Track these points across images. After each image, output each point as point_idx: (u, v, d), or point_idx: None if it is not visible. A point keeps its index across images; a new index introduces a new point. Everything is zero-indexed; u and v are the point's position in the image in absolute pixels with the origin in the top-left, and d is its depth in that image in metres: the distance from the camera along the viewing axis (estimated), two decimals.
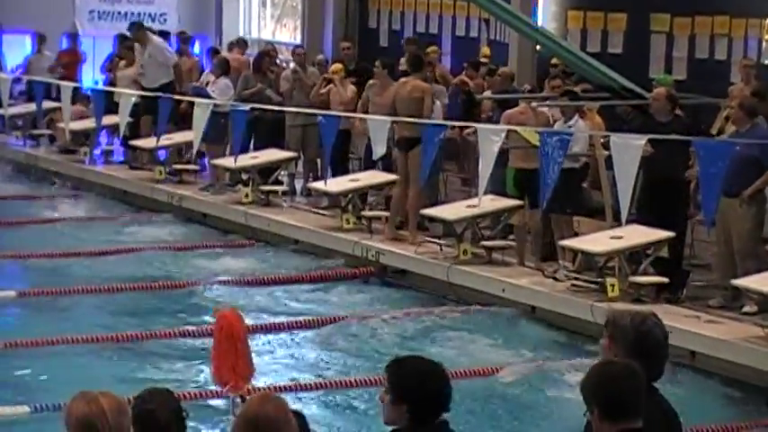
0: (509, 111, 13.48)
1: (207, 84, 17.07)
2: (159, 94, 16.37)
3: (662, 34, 17.19)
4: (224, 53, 19.22)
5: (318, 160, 16.24)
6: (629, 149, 11.26)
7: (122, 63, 18.61)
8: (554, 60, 16.02)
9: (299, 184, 16.75)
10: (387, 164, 14.34)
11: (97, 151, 18.78)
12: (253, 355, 10.40)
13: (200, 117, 15.11)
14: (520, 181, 12.84)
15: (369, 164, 14.82)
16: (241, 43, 20.25)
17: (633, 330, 4.72)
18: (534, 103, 13.52)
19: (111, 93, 17.49)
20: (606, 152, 12.12)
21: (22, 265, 13.54)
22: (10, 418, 8.34)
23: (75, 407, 4.15)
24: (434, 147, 12.94)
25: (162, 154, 17.52)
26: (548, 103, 13.55)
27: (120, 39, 19.05)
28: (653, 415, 4.46)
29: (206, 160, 16.98)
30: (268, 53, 18.00)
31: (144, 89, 17.17)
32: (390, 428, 4.61)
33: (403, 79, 14.16)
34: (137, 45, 17.84)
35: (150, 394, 4.71)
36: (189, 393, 8.94)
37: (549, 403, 9.62)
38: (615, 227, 11.93)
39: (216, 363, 7.62)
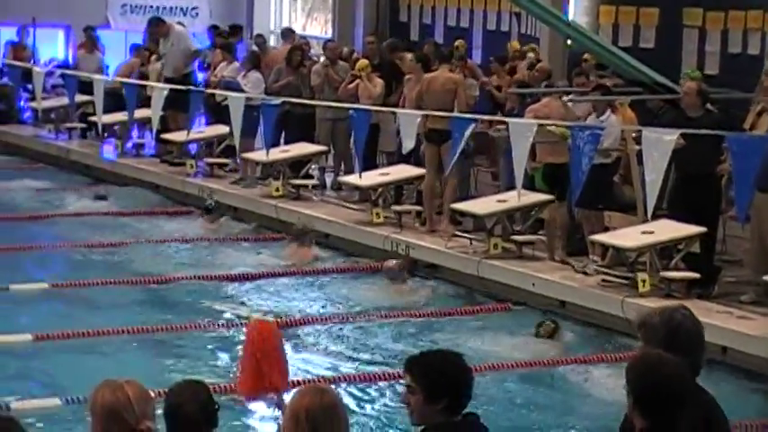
0: (533, 105, 13.49)
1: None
2: (191, 87, 16.40)
3: (694, 29, 17.09)
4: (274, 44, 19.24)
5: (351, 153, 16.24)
6: (661, 144, 11.21)
7: (153, 57, 18.71)
8: (585, 56, 15.96)
9: (329, 178, 16.76)
10: (417, 158, 14.33)
11: (129, 144, 18.87)
12: (292, 348, 10.53)
13: (236, 111, 15.12)
14: (549, 176, 12.83)
15: (399, 158, 14.82)
16: (289, 33, 20.23)
17: (663, 327, 4.60)
18: (566, 98, 13.50)
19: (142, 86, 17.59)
20: (638, 147, 12.07)
21: (54, 257, 13.61)
22: (41, 410, 8.36)
23: (101, 395, 4.17)
24: (463, 140, 12.93)
25: (193, 147, 17.56)
26: (577, 98, 13.50)
27: (149, 30, 19.10)
28: (694, 414, 4.29)
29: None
30: (300, 47, 18.03)
31: (166, 79, 17.26)
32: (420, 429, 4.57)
33: (433, 73, 14.15)
34: (161, 39, 18.00)
35: (180, 387, 4.66)
36: (223, 386, 8.95)
37: (578, 398, 9.60)
38: (646, 222, 11.89)
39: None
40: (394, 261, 12.81)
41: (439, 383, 4.50)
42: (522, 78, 15.47)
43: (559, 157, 12.61)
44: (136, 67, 19.16)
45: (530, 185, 13.00)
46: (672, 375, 4.19)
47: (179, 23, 20.64)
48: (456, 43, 17.57)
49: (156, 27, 18.18)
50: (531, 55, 17.04)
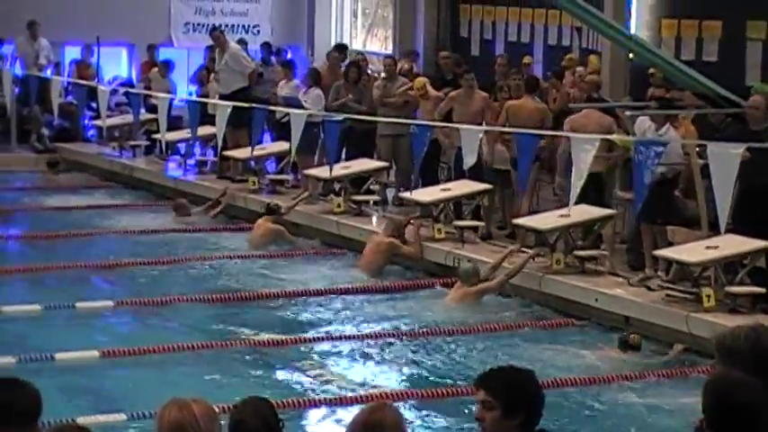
0: (572, 116, 13.56)
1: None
2: (254, 105, 16.53)
3: (758, 42, 16.94)
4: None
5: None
6: (727, 158, 11.12)
7: (212, 75, 18.91)
8: (651, 70, 15.88)
9: (390, 194, 16.79)
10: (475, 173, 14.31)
11: (191, 161, 19.03)
12: (346, 362, 10.55)
13: (297, 127, 15.22)
14: (586, 185, 12.73)
15: (459, 173, 14.82)
16: (341, 49, 20.31)
17: (750, 349, 4.40)
18: (628, 112, 13.47)
19: (204, 104, 17.75)
20: (701, 161, 12.00)
21: (118, 275, 13.73)
22: (107, 425, 8.44)
23: (168, 413, 4.22)
24: (530, 156, 13.03)
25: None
26: (635, 112, 13.48)
27: (211, 36, 19.35)
28: None
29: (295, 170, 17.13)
30: (357, 63, 18.09)
31: (220, 96, 17.43)
32: None
33: (518, 101, 14.46)
34: (217, 51, 18.19)
35: (243, 403, 4.71)
36: (287, 402, 8.98)
37: (641, 415, 9.54)
38: (711, 236, 11.80)
39: None
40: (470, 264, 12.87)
41: (517, 398, 4.49)
42: (569, 91, 15.39)
43: (596, 166, 12.62)
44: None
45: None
46: (752, 399, 4.08)
47: (240, 41, 20.85)
48: (524, 60, 17.59)
49: (216, 36, 18.53)
50: (579, 69, 16.88)
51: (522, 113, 14.12)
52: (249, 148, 16.82)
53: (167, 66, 20.79)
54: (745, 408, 4.06)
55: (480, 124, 14.48)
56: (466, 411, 9.13)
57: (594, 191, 12.89)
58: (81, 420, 8.48)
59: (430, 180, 15.62)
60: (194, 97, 19.18)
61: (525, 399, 4.50)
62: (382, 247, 13.70)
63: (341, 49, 20.49)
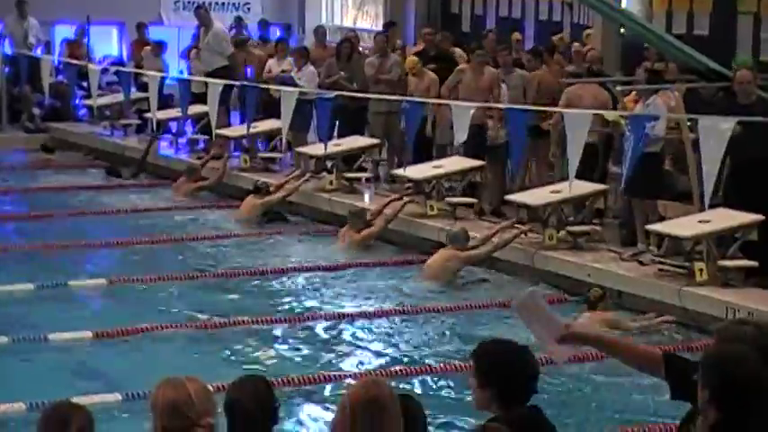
0: (569, 87, 13.59)
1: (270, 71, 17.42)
2: (249, 83, 16.55)
3: (749, 15, 16.92)
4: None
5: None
6: (717, 132, 11.14)
7: (192, 52, 18.99)
8: (646, 44, 15.88)
9: (382, 171, 16.78)
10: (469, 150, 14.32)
11: (183, 140, 19.01)
12: (346, 340, 10.57)
13: (288, 105, 15.20)
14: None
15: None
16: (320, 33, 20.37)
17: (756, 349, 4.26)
18: (620, 87, 13.49)
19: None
20: (693, 135, 12.01)
21: (112, 254, 13.73)
22: (102, 405, 8.44)
23: (162, 392, 4.20)
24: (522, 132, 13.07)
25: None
26: (626, 87, 13.50)
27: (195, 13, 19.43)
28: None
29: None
30: (350, 40, 18.06)
31: (203, 74, 17.49)
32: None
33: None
34: (202, 29, 18.20)
35: (239, 383, 4.67)
36: (282, 380, 8.99)
37: (634, 389, 9.56)
38: (703, 210, 11.81)
39: None
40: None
41: (488, 370, 4.60)
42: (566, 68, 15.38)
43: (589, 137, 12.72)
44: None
45: None
46: (755, 369, 4.09)
47: (238, 19, 20.93)
48: (514, 36, 17.59)
49: (200, 14, 18.62)
50: (576, 44, 16.84)
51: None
52: (243, 127, 16.83)
53: (160, 46, 20.74)
54: (751, 381, 4.05)
55: (488, 101, 14.47)
56: (454, 387, 9.19)
57: (587, 162, 12.88)
58: (75, 401, 8.51)
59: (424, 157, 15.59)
60: (185, 75, 19.13)
61: (497, 371, 4.58)
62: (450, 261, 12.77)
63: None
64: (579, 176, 12.42)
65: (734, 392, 4.05)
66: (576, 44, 16.88)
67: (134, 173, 18.06)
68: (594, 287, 11.11)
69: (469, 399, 8.66)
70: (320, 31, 19.84)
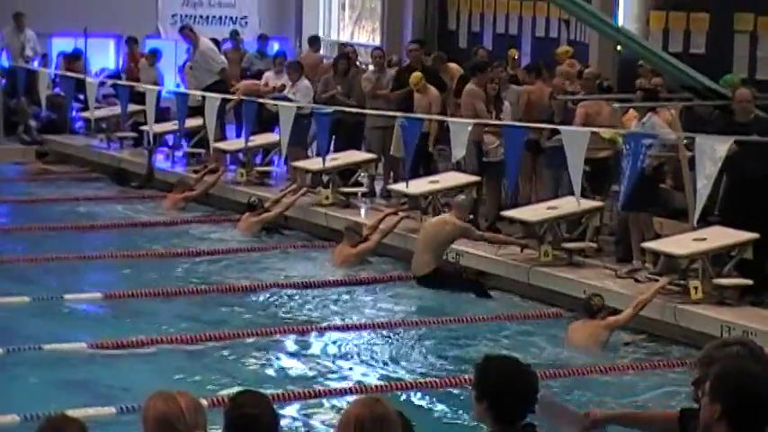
0: (585, 102, 13.67)
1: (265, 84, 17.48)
2: (248, 98, 16.59)
3: (745, 34, 16.97)
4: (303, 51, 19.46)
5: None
6: (714, 151, 11.16)
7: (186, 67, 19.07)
8: (640, 61, 15.90)
9: (378, 186, 16.80)
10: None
11: (179, 153, 19.02)
12: (344, 354, 10.56)
13: (286, 121, 15.21)
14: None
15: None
16: (315, 42, 20.45)
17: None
18: (616, 105, 13.51)
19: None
20: (690, 153, 12.03)
21: (107, 267, 13.72)
22: (96, 418, 8.43)
23: (153, 405, 4.21)
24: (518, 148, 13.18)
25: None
26: (623, 104, 13.52)
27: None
28: None
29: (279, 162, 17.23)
30: (347, 55, 18.09)
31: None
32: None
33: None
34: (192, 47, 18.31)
35: (252, 397, 4.51)
36: (279, 395, 8.99)
37: (630, 406, 9.56)
38: (698, 228, 11.83)
39: None
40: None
41: (479, 383, 4.68)
42: (561, 85, 15.37)
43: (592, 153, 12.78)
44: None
45: None
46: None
47: (234, 32, 21.02)
48: (510, 54, 17.61)
49: (186, 33, 18.61)
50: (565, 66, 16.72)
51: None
52: (241, 141, 16.86)
53: (155, 55, 20.79)
54: (765, 397, 4.01)
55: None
56: (457, 400, 9.19)
57: (598, 177, 13.03)
58: (70, 414, 8.49)
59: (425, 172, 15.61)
60: (182, 89, 19.15)
61: (487, 384, 4.65)
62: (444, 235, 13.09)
63: (314, 41, 20.67)
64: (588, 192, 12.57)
65: (748, 408, 4.01)
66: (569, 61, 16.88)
67: (140, 185, 18.06)
68: (596, 296, 11.10)
69: (462, 414, 8.79)
70: (314, 41, 20.01)
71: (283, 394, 9.25)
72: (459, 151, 13.62)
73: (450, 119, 14.22)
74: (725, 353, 4.57)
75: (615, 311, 11.05)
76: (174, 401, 4.19)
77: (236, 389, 4.63)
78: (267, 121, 17.08)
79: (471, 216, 14.36)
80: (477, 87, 14.70)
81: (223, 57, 19.16)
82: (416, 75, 16.07)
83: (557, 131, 13.38)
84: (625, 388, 9.95)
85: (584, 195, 13.44)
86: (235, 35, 21.92)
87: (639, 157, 11.76)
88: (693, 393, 4.60)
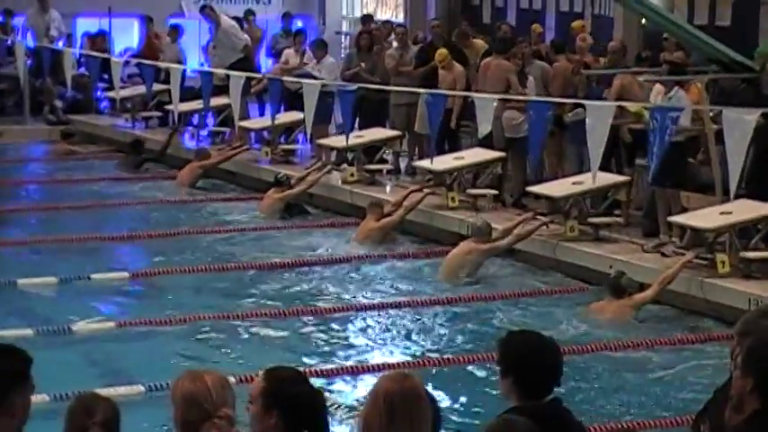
0: (622, 75, 13.77)
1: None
2: (271, 76, 16.60)
3: None
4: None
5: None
6: (741, 123, 11.10)
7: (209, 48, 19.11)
8: (665, 34, 15.83)
9: (403, 163, 16.79)
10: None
11: (204, 132, 19.05)
12: (368, 332, 10.59)
13: (310, 99, 15.20)
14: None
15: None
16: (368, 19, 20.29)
17: None
18: (641, 78, 13.46)
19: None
20: (716, 126, 11.98)
21: (134, 247, 13.78)
22: (125, 397, 8.47)
23: (181, 384, 4.28)
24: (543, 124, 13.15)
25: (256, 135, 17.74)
26: (652, 77, 13.44)
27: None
28: None
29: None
30: (369, 31, 18.06)
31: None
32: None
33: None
34: (213, 26, 18.37)
35: (296, 375, 4.46)
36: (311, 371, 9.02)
37: (656, 380, 9.56)
38: (725, 202, 11.78)
39: None
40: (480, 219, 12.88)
41: (503, 358, 4.70)
42: (579, 60, 15.29)
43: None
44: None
45: None
46: None
47: (248, 11, 20.99)
48: (534, 28, 17.53)
49: (207, 13, 18.75)
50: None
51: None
52: (264, 119, 16.88)
53: (176, 31, 20.80)
54: None
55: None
56: (481, 377, 9.20)
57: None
58: (99, 392, 8.55)
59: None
60: (206, 67, 19.18)
61: (516, 361, 4.66)
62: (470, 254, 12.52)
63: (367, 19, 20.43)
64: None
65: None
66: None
67: (153, 158, 18.12)
68: (623, 274, 11.07)
69: (486, 390, 8.80)
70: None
71: (308, 371, 9.27)
72: (485, 127, 13.59)
73: (475, 94, 14.18)
74: (761, 325, 4.54)
75: (642, 289, 11.02)
76: (201, 380, 4.24)
77: (269, 365, 4.58)
78: (289, 98, 17.11)
79: (497, 192, 14.40)
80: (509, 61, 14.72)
81: (245, 34, 19.17)
82: (442, 51, 15.99)
83: (577, 106, 13.35)
84: (651, 363, 9.93)
85: (619, 166, 13.51)
86: (248, 15, 21.82)
87: (667, 131, 11.70)
88: (732, 365, 4.56)
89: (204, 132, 19.04)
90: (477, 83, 15.13)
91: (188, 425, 4.22)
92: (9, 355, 4.33)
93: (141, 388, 8.83)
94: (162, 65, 19.00)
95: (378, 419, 4.13)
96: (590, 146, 12.24)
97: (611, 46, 15.11)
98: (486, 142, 14.37)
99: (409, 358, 10.02)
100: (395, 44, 17.45)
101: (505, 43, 15.25)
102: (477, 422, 8.10)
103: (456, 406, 8.82)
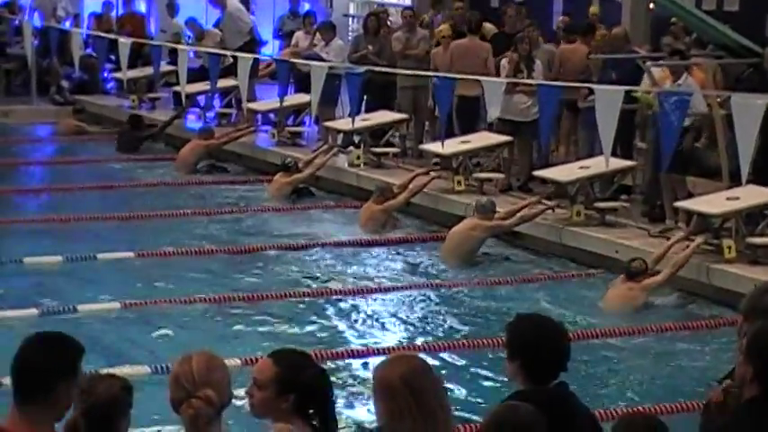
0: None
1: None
2: (279, 58, 16.59)
3: None
4: None
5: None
6: (750, 108, 11.06)
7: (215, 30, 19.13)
8: (673, 19, 15.78)
9: (410, 146, 16.75)
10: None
11: (211, 114, 19.04)
12: (369, 316, 10.59)
13: (317, 81, 15.18)
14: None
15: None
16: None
17: None
18: (649, 63, 13.41)
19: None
20: (723, 111, 11.94)
21: (139, 227, 13.78)
22: (129, 377, 8.47)
23: (173, 366, 4.41)
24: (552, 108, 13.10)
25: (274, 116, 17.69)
26: (657, 63, 13.41)
27: None
28: None
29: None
30: (377, 14, 18.02)
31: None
32: None
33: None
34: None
35: (305, 357, 4.55)
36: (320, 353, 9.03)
37: (661, 366, 9.56)
38: (732, 187, 11.76)
39: None
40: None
41: (514, 343, 4.69)
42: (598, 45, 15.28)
43: None
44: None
45: None
46: None
47: None
48: (561, 20, 17.52)
49: None
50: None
51: (574, 59, 14.09)
52: (274, 101, 16.87)
53: (172, 7, 20.75)
54: None
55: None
56: (487, 361, 9.20)
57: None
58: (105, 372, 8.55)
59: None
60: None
61: (519, 343, 4.66)
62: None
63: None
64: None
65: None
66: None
67: (151, 135, 18.09)
68: (637, 258, 11.06)
69: (492, 375, 8.80)
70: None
71: (315, 354, 9.27)
72: (494, 111, 13.56)
73: (483, 78, 14.14)
74: (765, 301, 4.52)
75: (656, 274, 10.99)
76: (187, 362, 4.33)
77: (274, 348, 4.62)
78: (298, 80, 17.09)
79: (503, 175, 14.39)
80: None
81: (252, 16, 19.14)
82: (445, 26, 15.96)
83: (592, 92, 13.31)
84: (658, 348, 9.93)
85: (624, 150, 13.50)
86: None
87: (676, 116, 11.66)
88: (739, 344, 4.56)
89: (211, 114, 19.02)
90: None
91: (173, 404, 4.32)
92: (60, 345, 4.29)
93: (146, 368, 8.83)
94: (164, 44, 18.97)
95: (405, 405, 4.11)
96: (600, 130, 12.20)
97: (614, 32, 15.06)
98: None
99: (411, 342, 10.00)
100: (402, 27, 17.36)
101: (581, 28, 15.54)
102: (482, 406, 8.10)
103: (461, 391, 8.82)
